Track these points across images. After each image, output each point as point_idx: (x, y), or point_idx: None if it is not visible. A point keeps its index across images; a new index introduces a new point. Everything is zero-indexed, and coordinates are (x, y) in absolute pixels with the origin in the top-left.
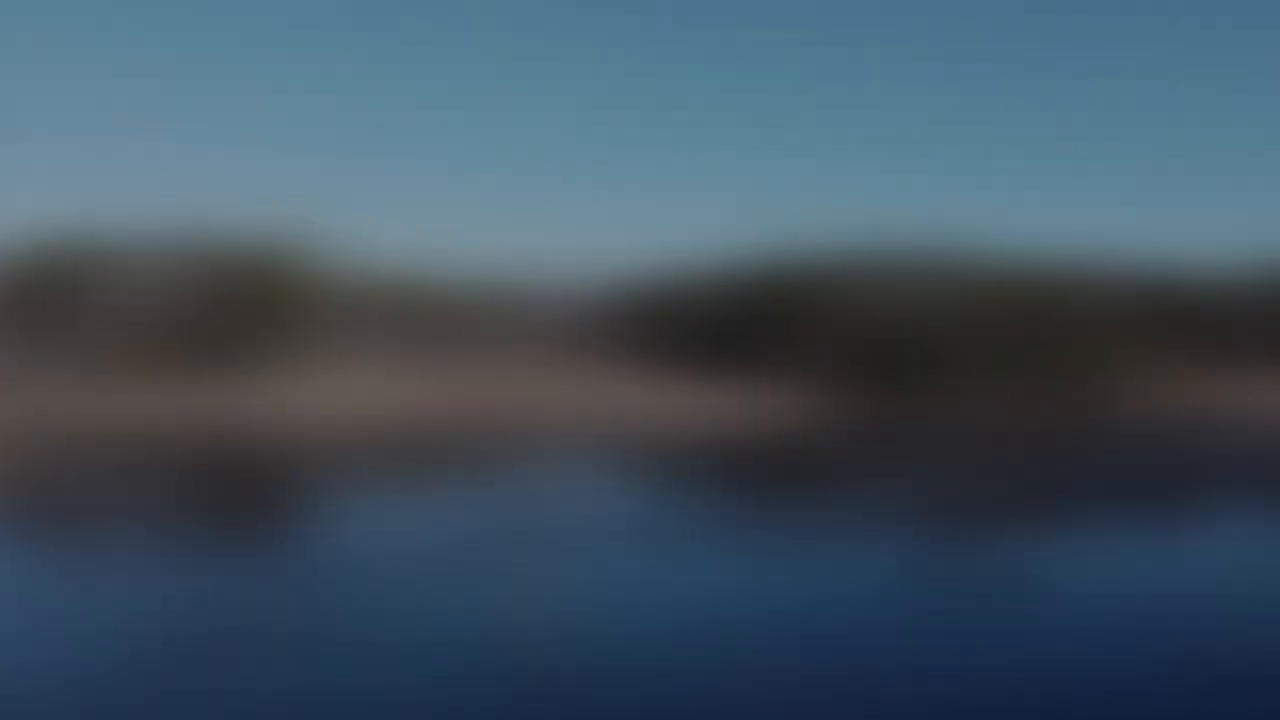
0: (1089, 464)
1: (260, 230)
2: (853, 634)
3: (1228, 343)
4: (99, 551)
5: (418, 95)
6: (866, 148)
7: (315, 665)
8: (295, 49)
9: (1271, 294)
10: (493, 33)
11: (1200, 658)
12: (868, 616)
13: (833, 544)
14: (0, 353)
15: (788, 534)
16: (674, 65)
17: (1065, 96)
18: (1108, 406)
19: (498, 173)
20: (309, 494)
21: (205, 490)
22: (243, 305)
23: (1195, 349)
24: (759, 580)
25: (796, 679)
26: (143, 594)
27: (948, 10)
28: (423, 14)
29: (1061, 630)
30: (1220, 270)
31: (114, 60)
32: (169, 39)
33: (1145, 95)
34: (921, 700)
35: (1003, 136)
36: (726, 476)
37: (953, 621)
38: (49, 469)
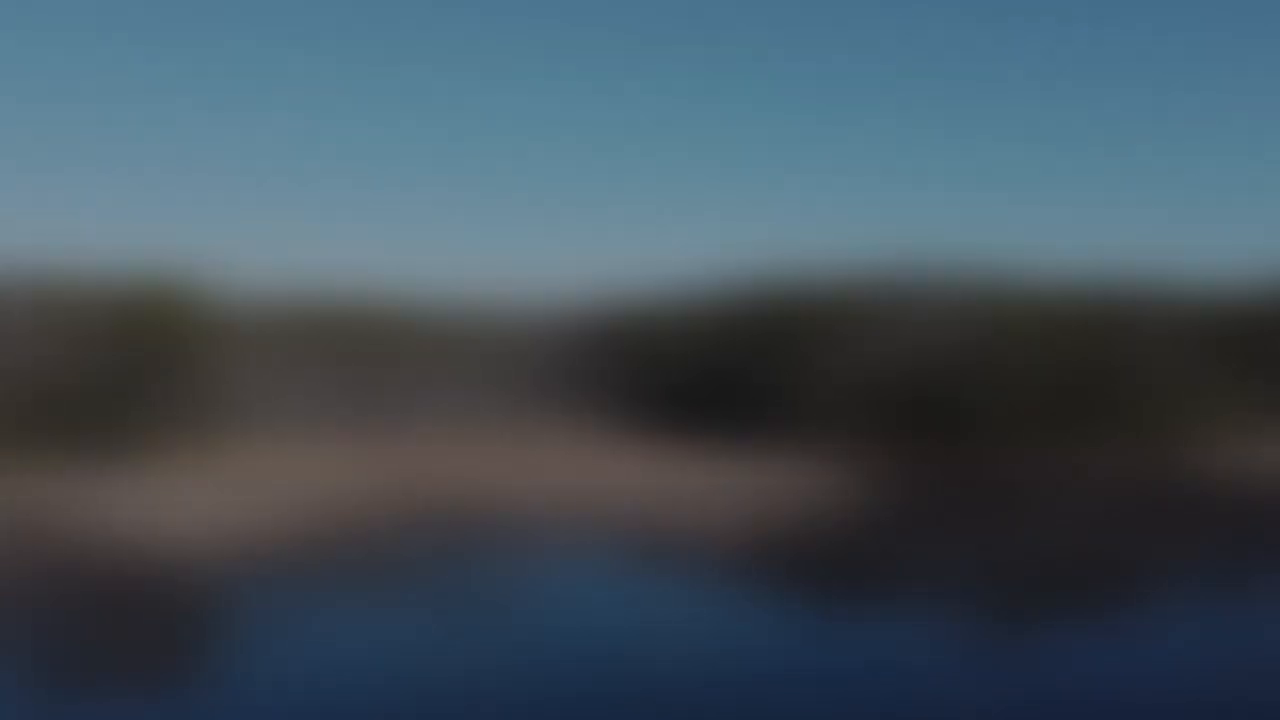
0: (1183, 546)
1: (143, 266)
2: None
3: None
4: None
5: (386, 112)
6: (881, 166)
7: None
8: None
9: None
10: (472, 46)
11: None
12: None
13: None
14: None
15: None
16: (668, 76)
17: (1092, 110)
18: (1176, 462)
19: (464, 194)
20: (198, 626)
21: (62, 617)
22: (117, 360)
23: (1268, 389)
24: None
25: None
26: None
27: (968, 20)
28: (394, 25)
29: None
30: (1267, 291)
31: None
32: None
33: (1171, 106)
34: None
35: (1024, 152)
36: (765, 591)
37: None
38: None
